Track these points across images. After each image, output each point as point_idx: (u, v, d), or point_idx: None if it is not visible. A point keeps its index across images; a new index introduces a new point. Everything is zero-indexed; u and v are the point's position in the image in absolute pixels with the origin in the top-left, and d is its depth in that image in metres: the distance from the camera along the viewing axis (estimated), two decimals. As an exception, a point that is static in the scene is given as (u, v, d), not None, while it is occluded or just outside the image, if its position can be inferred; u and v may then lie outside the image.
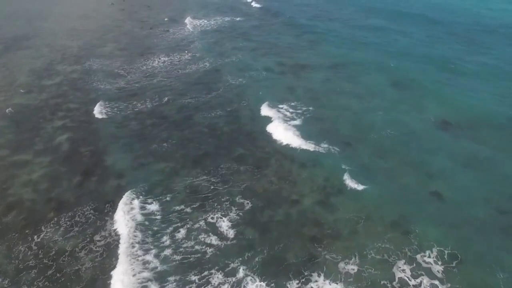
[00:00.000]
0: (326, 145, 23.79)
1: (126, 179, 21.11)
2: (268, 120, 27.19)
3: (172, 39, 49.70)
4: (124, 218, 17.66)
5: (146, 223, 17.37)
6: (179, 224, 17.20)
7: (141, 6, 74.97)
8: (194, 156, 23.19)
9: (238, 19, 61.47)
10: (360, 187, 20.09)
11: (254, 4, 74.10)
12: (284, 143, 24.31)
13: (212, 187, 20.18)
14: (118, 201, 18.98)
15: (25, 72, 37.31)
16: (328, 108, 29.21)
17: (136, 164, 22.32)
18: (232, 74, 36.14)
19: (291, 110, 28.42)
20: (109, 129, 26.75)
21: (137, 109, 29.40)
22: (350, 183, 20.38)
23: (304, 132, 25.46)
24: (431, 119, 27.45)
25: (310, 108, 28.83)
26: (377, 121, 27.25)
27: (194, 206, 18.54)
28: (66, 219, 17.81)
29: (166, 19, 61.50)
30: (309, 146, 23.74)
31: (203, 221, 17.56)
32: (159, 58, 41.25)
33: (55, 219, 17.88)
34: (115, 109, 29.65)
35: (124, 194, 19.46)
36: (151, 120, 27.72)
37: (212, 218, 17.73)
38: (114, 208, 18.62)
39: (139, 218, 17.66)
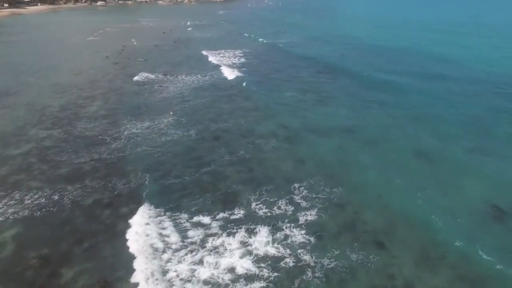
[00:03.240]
0: (355, 251, 18.14)
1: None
2: (280, 214, 21.68)
3: (162, 98, 45.40)
4: None
5: None
6: None
7: (136, 60, 72.72)
8: (179, 268, 17.35)
9: (237, 75, 58.50)
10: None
11: (248, 65, 72.30)
12: (298, 248, 18.65)
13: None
14: None
15: (-9, 139, 32.30)
16: (346, 187, 23.97)
17: (101, 284, 16.30)
18: (228, 145, 31.20)
19: (305, 194, 23.10)
20: (74, 221, 21.02)
21: (117, 192, 23.86)
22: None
23: (324, 228, 19.97)
24: (478, 205, 22.21)
25: (326, 189, 23.59)
26: (411, 207, 21.93)
27: None
28: None
29: (159, 75, 58.46)
30: (333, 252, 18.08)
31: None
32: (145, 122, 36.33)
33: None
34: (88, 190, 24.15)
35: None
36: (127, 208, 22.14)
37: None
38: None
39: None
